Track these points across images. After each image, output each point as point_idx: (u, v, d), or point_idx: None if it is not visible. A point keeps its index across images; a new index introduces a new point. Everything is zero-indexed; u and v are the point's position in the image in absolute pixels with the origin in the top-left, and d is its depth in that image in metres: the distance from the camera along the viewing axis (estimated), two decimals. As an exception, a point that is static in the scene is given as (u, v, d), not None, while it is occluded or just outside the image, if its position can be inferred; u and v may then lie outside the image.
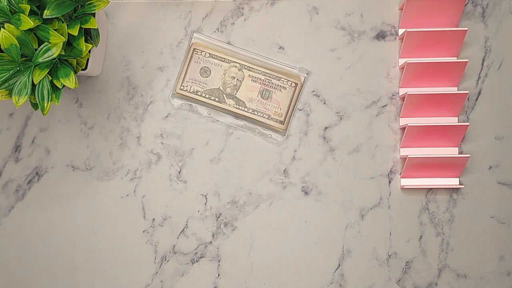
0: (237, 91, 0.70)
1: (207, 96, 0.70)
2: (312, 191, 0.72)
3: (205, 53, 0.70)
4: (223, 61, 0.70)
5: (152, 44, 0.72)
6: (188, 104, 0.71)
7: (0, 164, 0.71)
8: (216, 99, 0.70)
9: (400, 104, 0.72)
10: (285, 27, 0.72)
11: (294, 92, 0.70)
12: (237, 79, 0.70)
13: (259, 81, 0.70)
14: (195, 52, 0.70)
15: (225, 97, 0.70)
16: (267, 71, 0.70)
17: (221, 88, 0.70)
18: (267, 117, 0.70)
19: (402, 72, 0.71)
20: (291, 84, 0.70)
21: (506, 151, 0.71)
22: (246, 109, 0.70)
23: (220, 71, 0.70)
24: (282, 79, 0.70)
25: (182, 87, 0.70)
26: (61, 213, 0.72)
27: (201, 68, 0.70)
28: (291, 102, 0.70)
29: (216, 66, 0.70)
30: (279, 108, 0.70)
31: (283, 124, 0.71)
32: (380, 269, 0.72)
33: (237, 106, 0.70)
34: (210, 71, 0.70)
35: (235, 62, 0.70)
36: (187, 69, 0.70)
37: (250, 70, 0.70)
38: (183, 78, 0.70)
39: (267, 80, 0.70)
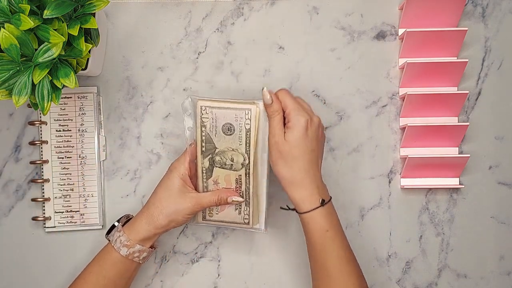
0: (217, 168, 0.64)
1: (203, 136, 0.63)
2: (312, 191, 0.72)
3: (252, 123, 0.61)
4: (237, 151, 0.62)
5: (152, 44, 0.72)
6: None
7: (0, 164, 0.71)
8: (204, 144, 0.63)
9: (400, 104, 0.72)
10: (285, 27, 0.72)
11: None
12: (232, 165, 0.63)
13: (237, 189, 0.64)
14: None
15: (208, 155, 0.63)
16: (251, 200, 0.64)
17: (217, 151, 0.63)
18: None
19: (402, 72, 0.71)
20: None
21: (506, 151, 0.71)
22: (205, 181, 0.65)
23: (240, 147, 0.62)
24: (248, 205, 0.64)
25: (202, 108, 0.62)
26: (61, 213, 0.72)
27: (226, 124, 0.62)
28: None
29: (239, 138, 0.62)
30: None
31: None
32: (380, 269, 0.72)
33: (203, 169, 0.64)
34: (233, 130, 0.62)
35: (247, 161, 0.62)
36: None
37: (247, 177, 0.63)
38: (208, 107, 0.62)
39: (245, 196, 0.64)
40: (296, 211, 0.60)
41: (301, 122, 0.58)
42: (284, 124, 0.59)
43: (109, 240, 0.62)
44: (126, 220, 0.65)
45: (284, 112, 0.60)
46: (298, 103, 0.60)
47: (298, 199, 0.59)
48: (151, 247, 0.63)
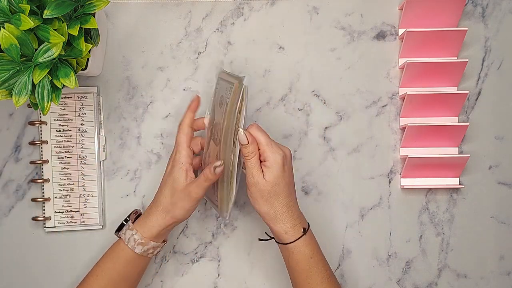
0: (212, 141, 0.63)
1: (212, 106, 0.64)
2: (312, 191, 0.72)
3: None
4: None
5: (152, 44, 0.72)
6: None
7: (0, 164, 0.71)
8: (210, 114, 0.64)
9: (400, 104, 0.72)
10: (285, 27, 0.72)
11: None
12: (216, 139, 0.61)
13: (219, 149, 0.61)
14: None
15: (210, 126, 0.63)
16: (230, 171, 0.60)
17: (214, 122, 0.62)
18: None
19: (402, 72, 0.71)
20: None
21: (506, 151, 0.71)
22: (204, 153, 0.65)
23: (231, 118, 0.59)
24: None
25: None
26: (61, 213, 0.72)
27: (221, 97, 0.61)
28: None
29: (223, 111, 0.60)
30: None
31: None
32: (380, 269, 0.72)
33: (207, 141, 0.64)
34: (223, 102, 0.60)
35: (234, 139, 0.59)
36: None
37: (219, 154, 0.61)
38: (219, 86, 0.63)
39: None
40: (277, 242, 0.61)
41: (278, 160, 0.58)
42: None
43: (119, 237, 0.62)
44: (135, 216, 0.65)
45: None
46: (269, 137, 0.59)
47: (282, 231, 0.59)
48: (164, 241, 0.64)
